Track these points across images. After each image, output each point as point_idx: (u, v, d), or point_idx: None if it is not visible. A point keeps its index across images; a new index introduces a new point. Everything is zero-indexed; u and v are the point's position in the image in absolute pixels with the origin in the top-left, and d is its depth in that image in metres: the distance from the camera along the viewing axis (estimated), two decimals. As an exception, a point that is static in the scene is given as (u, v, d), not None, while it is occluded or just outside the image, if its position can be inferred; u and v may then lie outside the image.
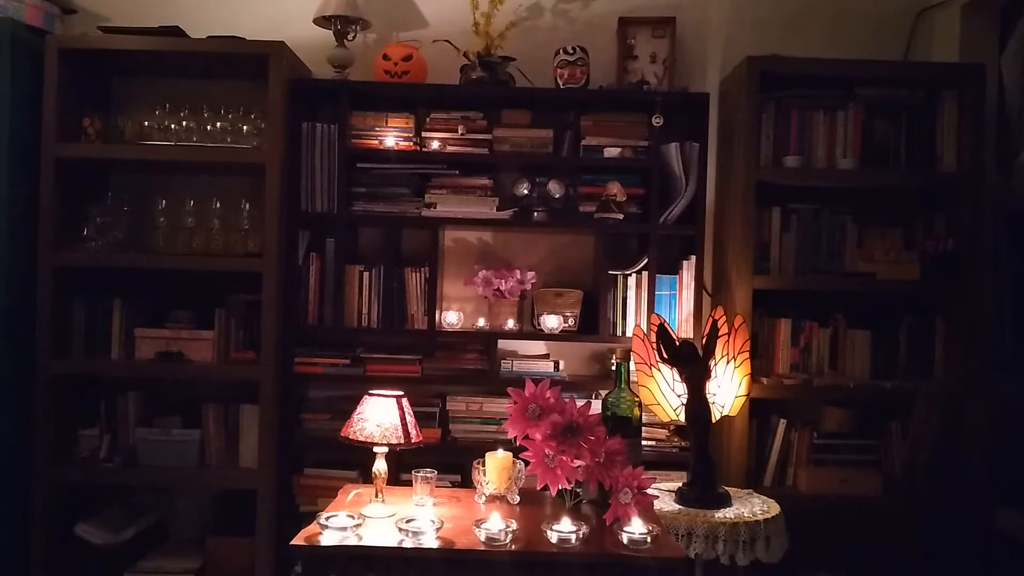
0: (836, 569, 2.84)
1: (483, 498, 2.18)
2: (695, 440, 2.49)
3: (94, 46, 2.80)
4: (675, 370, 2.56)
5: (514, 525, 1.89)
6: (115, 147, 2.83)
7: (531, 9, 3.10)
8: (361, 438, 2.06)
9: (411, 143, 2.89)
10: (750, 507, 2.45)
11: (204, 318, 2.86)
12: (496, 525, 1.87)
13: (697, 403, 2.48)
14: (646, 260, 2.86)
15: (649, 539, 1.85)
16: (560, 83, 2.89)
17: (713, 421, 2.53)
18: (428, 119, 2.90)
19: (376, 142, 2.88)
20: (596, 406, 2.35)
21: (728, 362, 2.64)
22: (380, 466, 2.07)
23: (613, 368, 2.43)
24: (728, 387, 2.64)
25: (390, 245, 3.06)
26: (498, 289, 2.88)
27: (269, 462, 2.77)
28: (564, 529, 1.86)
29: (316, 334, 2.92)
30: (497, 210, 2.88)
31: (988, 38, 2.86)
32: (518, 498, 2.16)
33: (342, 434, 2.10)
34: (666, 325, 2.57)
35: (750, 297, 2.78)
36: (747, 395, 2.70)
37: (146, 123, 2.83)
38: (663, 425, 2.81)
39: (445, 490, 2.31)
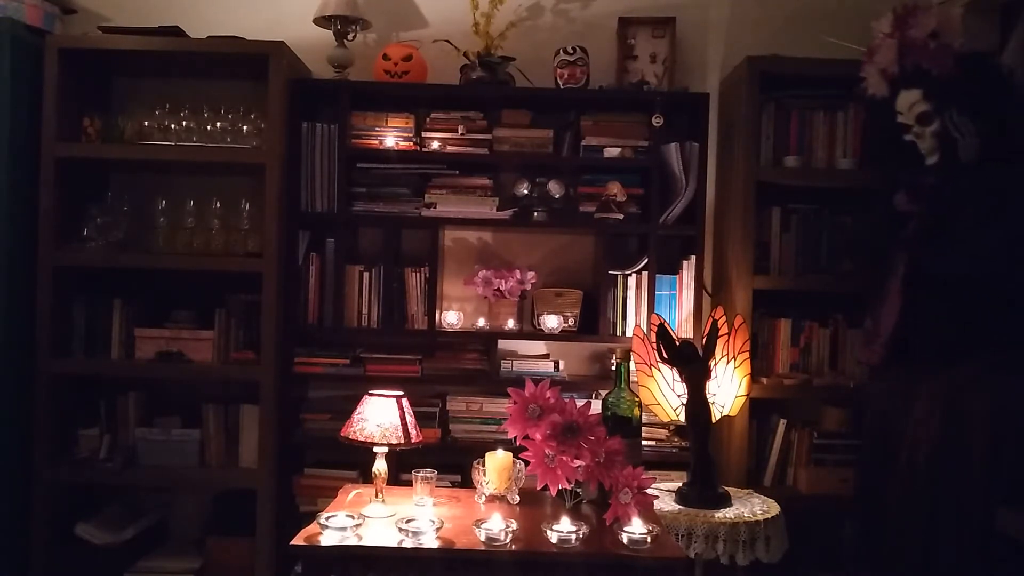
0: (836, 569, 2.84)
1: (483, 498, 2.18)
2: (695, 440, 2.49)
3: (94, 46, 2.80)
4: (675, 370, 2.56)
5: (514, 525, 1.90)
6: (115, 147, 2.82)
7: (531, 9, 3.10)
8: (361, 438, 2.06)
9: (411, 143, 2.89)
10: (750, 507, 2.46)
11: (204, 318, 2.86)
12: (496, 525, 1.87)
13: (697, 403, 2.48)
14: (646, 260, 2.86)
15: (649, 539, 1.85)
16: (560, 83, 2.89)
17: (713, 421, 2.53)
18: (428, 119, 2.90)
19: (376, 142, 2.88)
20: (596, 406, 2.35)
21: (728, 362, 2.64)
22: (380, 466, 2.08)
23: (613, 368, 2.43)
24: (728, 387, 2.64)
25: (390, 245, 3.05)
26: (498, 289, 2.89)
27: (269, 462, 2.77)
28: (564, 529, 1.86)
29: (316, 334, 2.92)
30: (497, 210, 2.88)
31: (988, 38, 2.85)
32: (518, 498, 2.16)
33: (342, 434, 2.10)
34: (666, 325, 2.58)
35: (750, 297, 2.78)
36: (747, 395, 2.70)
37: (146, 123, 2.83)
38: (663, 425, 2.81)
39: (445, 490, 2.31)
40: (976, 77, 2.19)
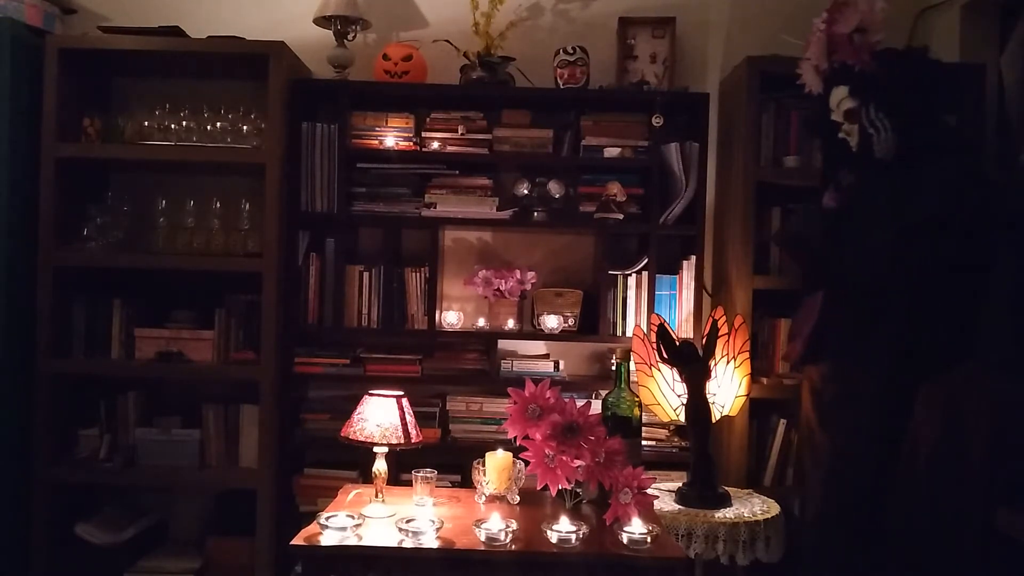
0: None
1: (483, 498, 2.18)
2: (695, 440, 2.49)
3: (94, 46, 2.80)
4: (675, 370, 2.56)
5: (514, 525, 1.90)
6: (115, 147, 2.83)
7: (531, 9, 3.10)
8: (361, 438, 2.06)
9: (411, 143, 2.89)
10: (750, 507, 2.46)
11: (204, 318, 2.86)
12: (496, 525, 1.87)
13: (697, 403, 2.48)
14: (646, 260, 2.86)
15: (649, 539, 1.85)
16: (560, 83, 2.89)
17: (713, 421, 2.53)
18: (428, 119, 2.90)
19: (376, 142, 2.88)
20: (596, 406, 2.35)
21: (728, 362, 2.64)
22: (380, 466, 2.08)
23: (613, 368, 2.43)
24: (728, 387, 2.64)
25: (390, 245, 3.06)
26: (498, 289, 2.89)
27: (269, 462, 2.77)
28: (564, 529, 1.86)
29: (316, 334, 2.92)
30: (497, 210, 2.88)
31: (988, 38, 2.86)
32: (518, 498, 2.16)
33: (342, 434, 2.10)
34: (666, 325, 2.58)
35: (750, 297, 2.78)
36: (747, 395, 2.70)
37: (146, 123, 2.83)
38: (663, 425, 2.81)
39: (445, 490, 2.31)
40: (894, 72, 2.15)
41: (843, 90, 2.21)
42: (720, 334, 2.56)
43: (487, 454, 2.20)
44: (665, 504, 2.43)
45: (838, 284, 2.20)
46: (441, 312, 2.96)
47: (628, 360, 2.43)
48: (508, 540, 1.86)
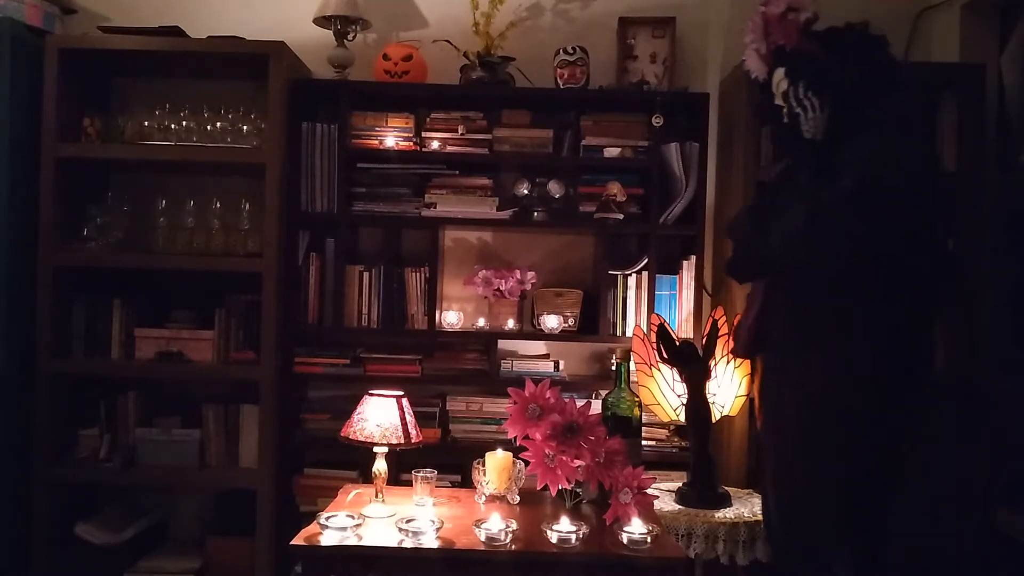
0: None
1: (483, 498, 2.18)
2: (695, 440, 2.49)
3: (94, 46, 2.80)
4: (675, 370, 2.56)
5: (514, 525, 1.90)
6: (115, 147, 2.83)
7: (531, 9, 3.10)
8: (361, 438, 2.06)
9: (411, 143, 2.89)
10: (750, 507, 2.46)
11: (204, 318, 2.86)
12: (496, 525, 1.87)
13: (697, 403, 2.48)
14: (646, 260, 2.87)
15: (649, 539, 1.85)
16: (560, 83, 2.89)
17: (713, 421, 2.53)
18: (428, 119, 2.90)
19: (376, 142, 2.88)
20: (596, 406, 2.35)
21: (728, 362, 2.64)
22: (380, 466, 2.08)
23: (613, 368, 2.44)
24: (728, 387, 2.64)
25: (390, 245, 3.06)
26: (498, 289, 2.89)
27: (269, 462, 2.77)
28: (564, 529, 1.87)
29: (316, 334, 2.92)
30: (497, 210, 2.88)
31: (988, 38, 2.86)
32: (518, 498, 2.16)
33: (342, 434, 2.10)
34: (666, 325, 2.58)
35: (750, 297, 2.78)
36: (747, 395, 2.70)
37: (146, 123, 2.83)
38: (663, 425, 2.81)
39: (445, 490, 2.31)
40: (823, 49, 2.07)
41: (780, 72, 2.17)
42: (720, 334, 2.56)
43: (487, 454, 2.20)
44: (665, 504, 2.43)
45: (769, 270, 2.14)
46: (441, 312, 2.96)
47: (628, 360, 2.44)
48: (508, 540, 1.86)
